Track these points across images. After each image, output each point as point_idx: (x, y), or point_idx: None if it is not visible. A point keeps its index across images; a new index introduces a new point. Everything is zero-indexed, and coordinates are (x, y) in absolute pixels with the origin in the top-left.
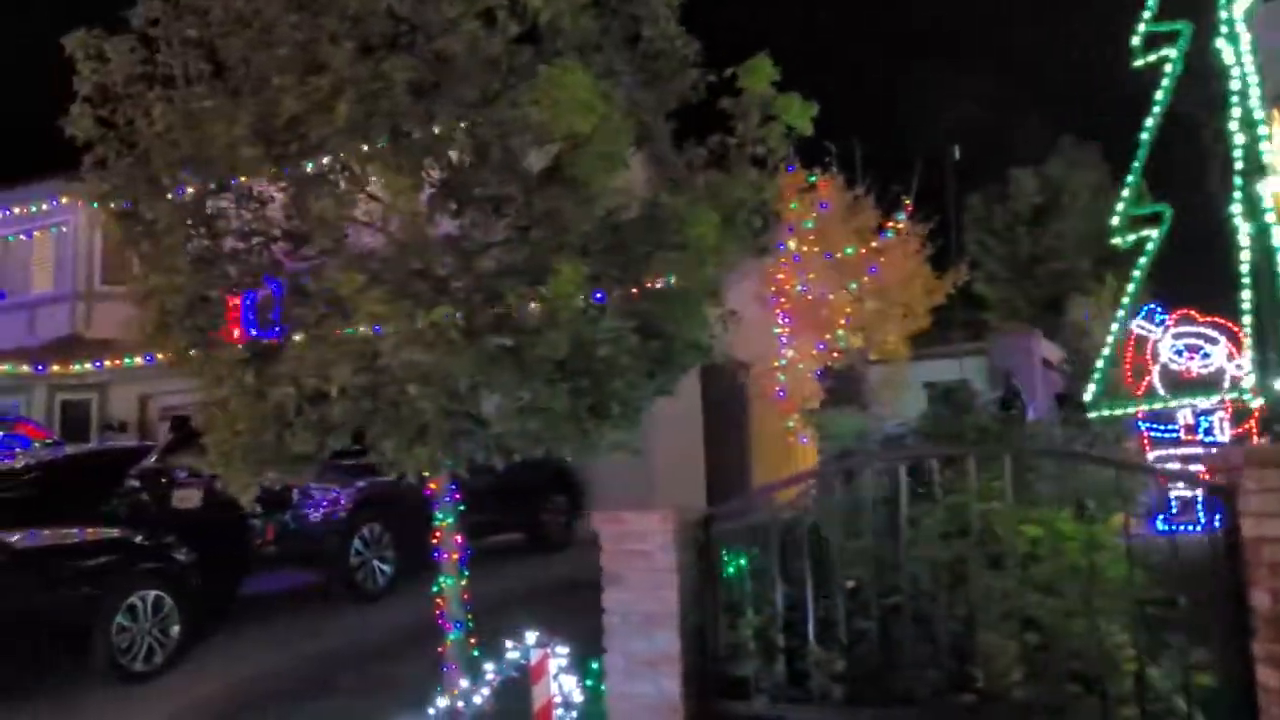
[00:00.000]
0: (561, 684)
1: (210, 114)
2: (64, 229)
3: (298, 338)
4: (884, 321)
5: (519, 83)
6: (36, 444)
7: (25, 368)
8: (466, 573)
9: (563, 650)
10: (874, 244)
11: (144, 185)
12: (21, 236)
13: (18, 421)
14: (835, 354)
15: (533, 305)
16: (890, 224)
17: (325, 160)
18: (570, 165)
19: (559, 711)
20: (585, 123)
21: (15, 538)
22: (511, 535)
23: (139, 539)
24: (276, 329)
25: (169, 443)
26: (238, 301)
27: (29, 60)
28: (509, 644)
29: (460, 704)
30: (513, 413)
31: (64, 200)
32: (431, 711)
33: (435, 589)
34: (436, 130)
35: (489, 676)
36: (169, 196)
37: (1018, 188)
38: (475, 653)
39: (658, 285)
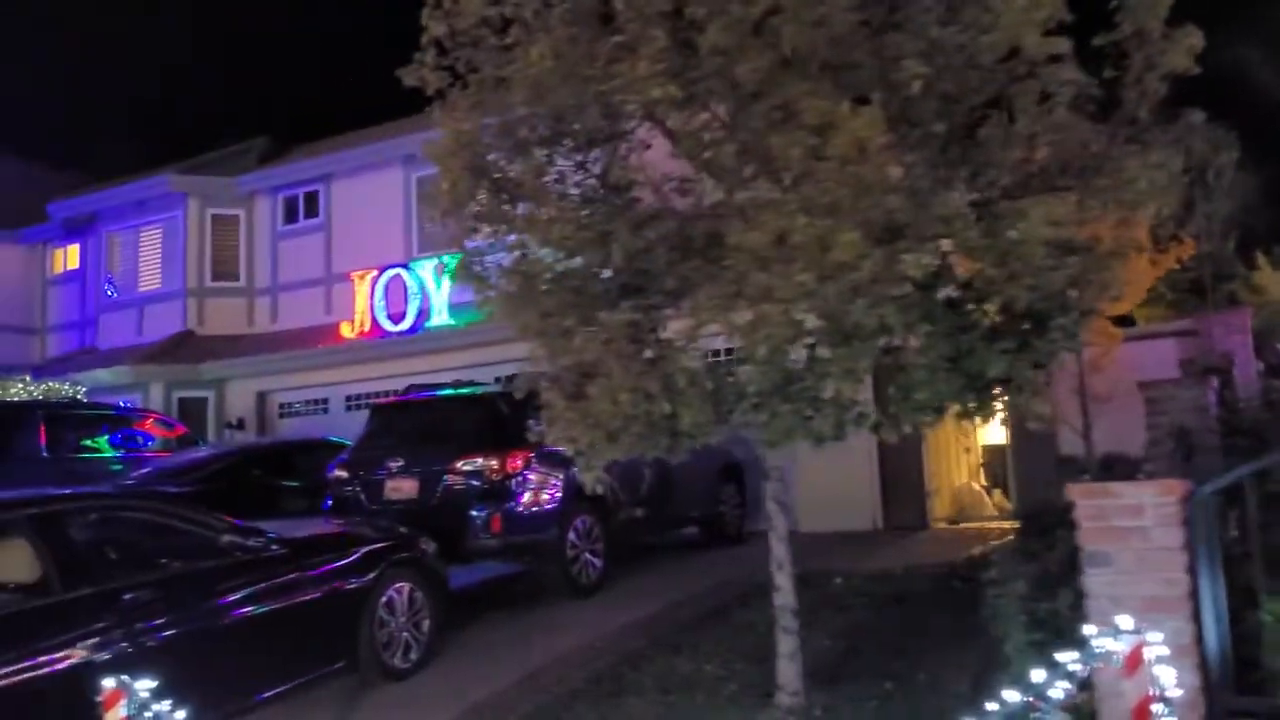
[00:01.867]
0: (1158, 677)
1: (607, 53)
2: (173, 223)
3: (706, 294)
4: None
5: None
6: (158, 441)
7: (147, 365)
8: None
9: (1156, 637)
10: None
11: (504, 138)
12: (129, 232)
13: (143, 416)
14: None
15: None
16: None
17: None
18: (1014, 94)
19: (1156, 707)
20: (1042, 45)
21: (277, 527)
22: (687, 530)
23: (389, 530)
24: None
25: (369, 432)
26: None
27: (143, 52)
28: (1089, 630)
29: (1031, 697)
30: (935, 377)
31: (174, 193)
32: (994, 706)
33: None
34: (887, 60)
35: (1073, 668)
36: (537, 147)
37: None
38: None
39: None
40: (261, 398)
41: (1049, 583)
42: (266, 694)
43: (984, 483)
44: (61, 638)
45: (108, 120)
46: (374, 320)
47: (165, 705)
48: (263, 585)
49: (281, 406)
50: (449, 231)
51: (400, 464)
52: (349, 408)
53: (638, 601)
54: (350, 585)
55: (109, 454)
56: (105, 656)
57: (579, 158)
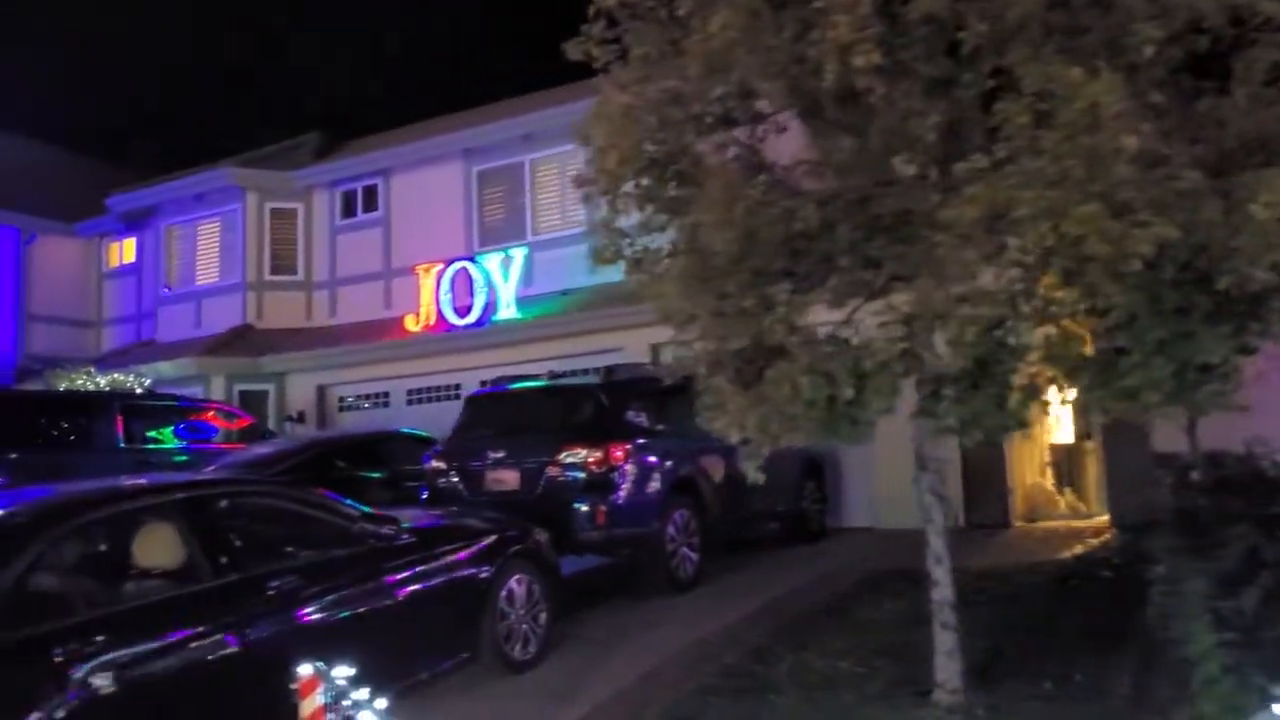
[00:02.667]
0: None
1: (795, 22)
2: (232, 217)
3: (890, 271)
4: None
5: None
6: (220, 432)
7: (209, 358)
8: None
9: None
10: None
11: (670, 112)
12: (187, 226)
13: (205, 407)
14: None
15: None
16: None
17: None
18: (1237, 63)
19: None
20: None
21: (407, 516)
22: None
23: (503, 521)
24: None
25: (464, 422)
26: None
27: (197, 55)
28: None
29: None
30: (1150, 362)
31: (233, 186)
32: None
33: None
34: (1112, 25)
35: None
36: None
37: None
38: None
39: None
40: (321, 391)
41: (1229, 581)
42: (403, 683)
43: (1052, 481)
44: (213, 625)
45: (147, 116)
46: (439, 314)
47: (363, 693)
48: (400, 574)
49: (341, 400)
50: (599, 213)
51: (501, 455)
52: (411, 402)
53: (737, 597)
54: (475, 575)
55: (173, 445)
56: (255, 645)
57: (721, 135)
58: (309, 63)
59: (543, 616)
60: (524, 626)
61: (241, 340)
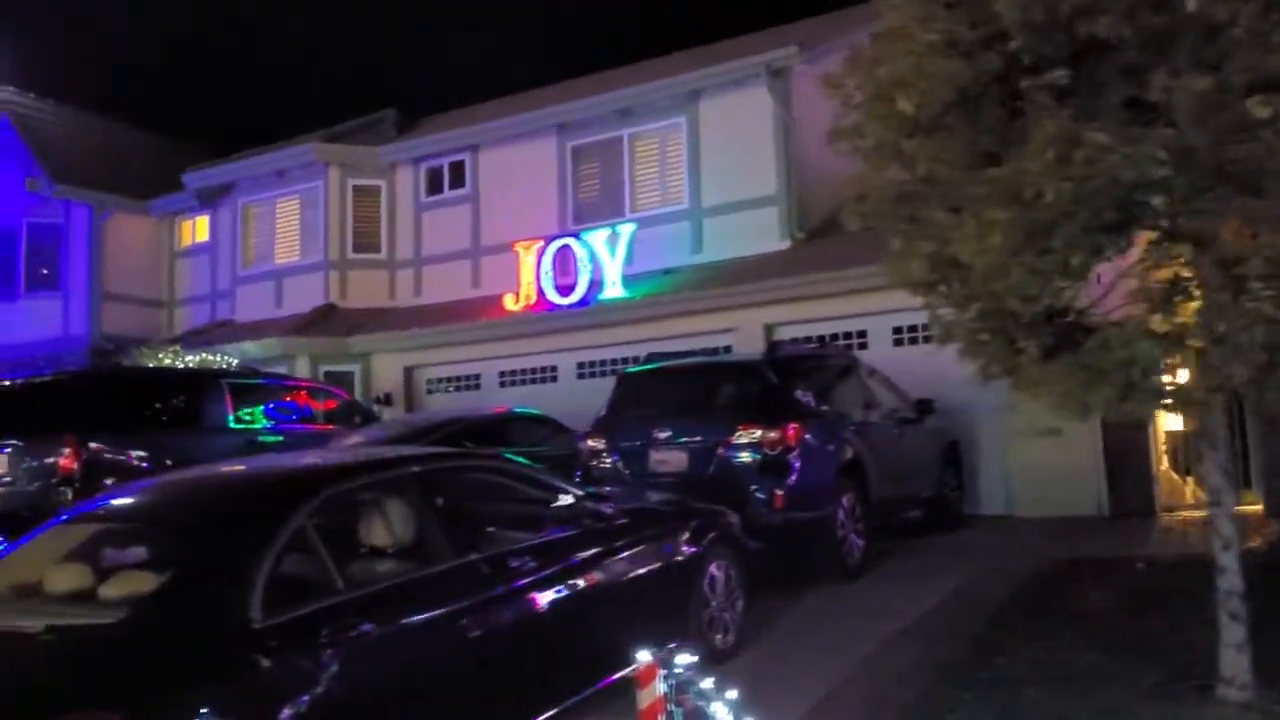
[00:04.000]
0: None
1: None
2: (313, 194)
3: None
4: None
5: None
6: (316, 412)
7: (295, 337)
8: None
9: None
10: None
11: (987, 54)
12: (265, 203)
13: (302, 387)
14: None
15: None
16: None
17: None
18: None
19: None
20: None
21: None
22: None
23: (690, 505)
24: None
25: (617, 400)
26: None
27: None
28: None
29: None
30: None
31: (316, 163)
32: None
33: None
34: None
35: None
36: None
37: None
38: None
39: None
40: (409, 373)
41: None
42: (625, 672)
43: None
44: (462, 606)
45: (219, 95)
46: (540, 292)
47: (709, 681)
48: (622, 556)
49: (429, 382)
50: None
51: (666, 434)
52: (503, 383)
53: (913, 586)
54: (685, 560)
55: (271, 424)
56: (501, 628)
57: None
58: (381, 42)
59: (739, 604)
60: (725, 614)
61: (326, 320)
